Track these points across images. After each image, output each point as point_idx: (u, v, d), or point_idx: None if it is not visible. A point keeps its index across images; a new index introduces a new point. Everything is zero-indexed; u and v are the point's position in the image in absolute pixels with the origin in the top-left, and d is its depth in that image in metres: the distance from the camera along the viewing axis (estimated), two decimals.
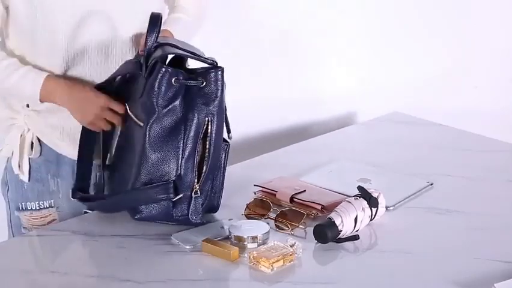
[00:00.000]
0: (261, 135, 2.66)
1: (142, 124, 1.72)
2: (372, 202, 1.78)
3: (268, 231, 1.72)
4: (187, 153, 1.73)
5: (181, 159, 1.72)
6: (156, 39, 1.72)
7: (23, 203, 1.91)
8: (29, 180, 1.89)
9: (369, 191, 1.80)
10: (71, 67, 1.83)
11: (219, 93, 1.73)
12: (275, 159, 2.19)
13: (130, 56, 1.86)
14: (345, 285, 1.60)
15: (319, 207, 1.83)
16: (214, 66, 1.73)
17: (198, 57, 1.73)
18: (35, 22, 1.77)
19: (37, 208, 1.90)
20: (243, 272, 1.65)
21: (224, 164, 1.81)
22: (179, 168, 1.73)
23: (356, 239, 1.73)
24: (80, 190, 1.87)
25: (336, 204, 1.78)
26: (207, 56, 1.76)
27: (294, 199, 1.87)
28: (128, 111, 1.80)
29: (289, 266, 1.64)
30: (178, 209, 1.75)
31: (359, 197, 1.78)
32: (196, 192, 1.74)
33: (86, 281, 1.63)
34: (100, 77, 1.85)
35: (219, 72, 1.72)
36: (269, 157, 2.20)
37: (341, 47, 2.70)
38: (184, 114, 1.72)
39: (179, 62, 1.78)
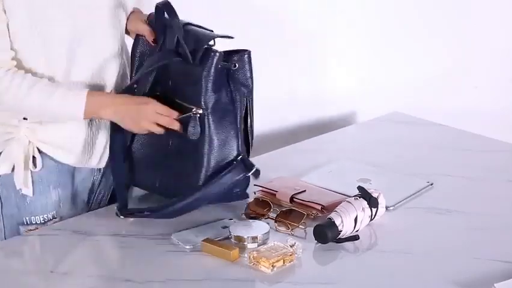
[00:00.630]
0: (261, 135, 2.66)
1: (200, 111, 1.78)
2: (372, 202, 1.78)
3: (268, 231, 1.72)
4: (241, 133, 1.85)
5: (239, 138, 1.84)
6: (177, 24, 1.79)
7: (27, 218, 1.86)
8: (33, 194, 1.85)
9: (369, 191, 1.80)
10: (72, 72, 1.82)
11: (250, 74, 1.86)
12: (275, 159, 2.19)
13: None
14: (345, 285, 1.60)
15: (319, 207, 1.83)
16: (242, 50, 1.85)
17: (221, 35, 1.81)
18: (33, 34, 1.75)
19: (42, 222, 1.86)
20: (243, 272, 1.65)
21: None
22: (239, 146, 1.84)
23: (356, 239, 1.73)
24: (125, 206, 1.85)
25: (336, 204, 1.78)
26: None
27: (294, 199, 1.87)
28: (183, 103, 1.82)
29: (289, 266, 1.64)
30: (238, 185, 1.84)
31: (359, 197, 1.78)
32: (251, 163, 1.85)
33: (86, 281, 1.63)
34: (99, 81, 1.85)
35: (247, 55, 1.85)
36: (269, 157, 2.20)
37: (341, 47, 2.70)
38: (230, 96, 1.83)
39: None
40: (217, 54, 1.78)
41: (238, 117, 1.85)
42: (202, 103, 1.79)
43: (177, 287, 1.60)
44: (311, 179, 1.99)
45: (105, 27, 1.84)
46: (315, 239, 1.72)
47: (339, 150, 2.25)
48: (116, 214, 1.82)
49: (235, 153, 1.83)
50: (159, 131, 1.80)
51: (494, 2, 2.78)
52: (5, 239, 1.88)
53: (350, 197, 1.80)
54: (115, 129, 1.85)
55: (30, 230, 1.85)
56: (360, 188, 1.81)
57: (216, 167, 1.80)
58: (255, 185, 1.92)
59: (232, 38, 1.80)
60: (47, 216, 1.86)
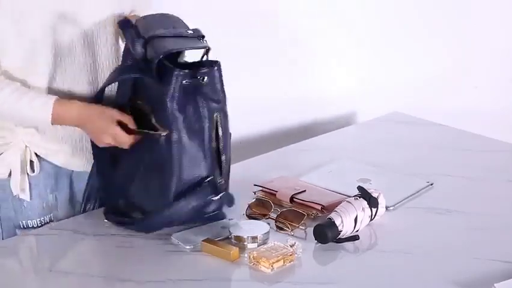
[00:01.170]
0: (261, 135, 2.66)
1: (164, 133, 1.70)
2: (372, 202, 1.78)
3: (268, 231, 1.72)
4: (210, 150, 1.73)
5: (209, 158, 1.73)
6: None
7: (23, 221, 1.85)
8: (30, 198, 1.84)
9: (369, 191, 1.80)
10: (58, 73, 1.80)
11: (221, 88, 1.75)
12: (275, 159, 2.19)
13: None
14: (345, 285, 1.60)
15: (319, 207, 1.83)
16: (211, 62, 1.74)
17: (194, 46, 1.73)
18: (9, 32, 1.74)
19: (39, 225, 1.85)
20: (243, 272, 1.65)
21: (229, 156, 1.80)
22: (208, 167, 1.73)
23: (356, 239, 1.73)
24: (112, 211, 1.83)
25: (336, 204, 1.78)
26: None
27: (294, 199, 1.87)
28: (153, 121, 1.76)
29: (289, 266, 1.64)
30: (210, 205, 1.74)
31: (359, 197, 1.78)
32: (221, 185, 1.75)
33: (86, 280, 1.63)
34: (90, 81, 1.84)
35: (215, 68, 1.73)
36: (269, 157, 2.20)
37: (341, 47, 2.70)
38: (198, 113, 1.72)
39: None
40: (181, 73, 1.68)
41: (207, 136, 1.72)
42: (168, 123, 1.70)
43: (177, 287, 1.60)
44: (311, 179, 1.99)
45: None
46: (315, 239, 1.72)
47: (339, 150, 2.25)
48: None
49: (204, 174, 1.72)
50: (121, 143, 1.74)
51: (494, 2, 2.78)
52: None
53: (350, 197, 1.80)
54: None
55: (28, 233, 1.84)
56: (360, 188, 1.81)
57: (184, 187, 1.71)
58: (255, 185, 1.93)
59: (208, 48, 1.73)
60: (43, 219, 1.86)
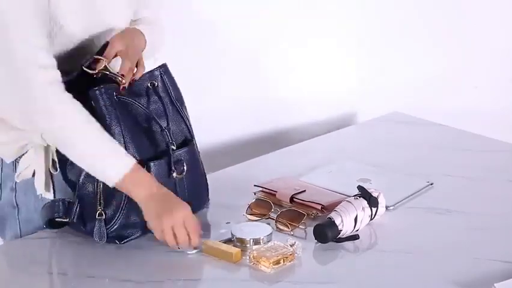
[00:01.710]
0: (261, 136, 2.66)
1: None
2: (372, 202, 1.78)
3: (271, 233, 1.72)
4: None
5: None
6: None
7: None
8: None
9: (369, 190, 1.80)
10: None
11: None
12: (275, 159, 2.19)
13: None
14: (345, 285, 1.60)
15: (319, 207, 1.83)
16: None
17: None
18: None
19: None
20: (243, 272, 1.65)
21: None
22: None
23: (356, 239, 1.73)
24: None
25: (336, 204, 1.78)
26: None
27: (294, 199, 1.87)
28: None
29: (289, 265, 1.64)
30: (87, 225, 1.72)
31: (359, 197, 1.78)
32: (100, 215, 1.71)
33: (86, 281, 1.63)
34: None
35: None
36: (269, 157, 2.20)
37: (341, 47, 2.70)
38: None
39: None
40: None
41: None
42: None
43: (177, 287, 1.60)
44: (311, 179, 1.99)
45: None
46: (315, 239, 1.72)
47: (339, 150, 2.25)
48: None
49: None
50: (172, 244, 1.67)
51: (494, 2, 2.78)
52: None
53: (350, 196, 1.80)
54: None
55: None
56: (360, 188, 1.81)
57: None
58: (255, 185, 1.92)
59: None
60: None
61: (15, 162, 1.81)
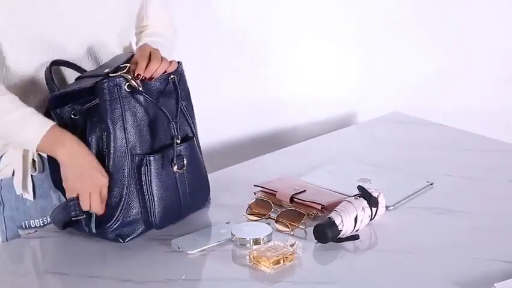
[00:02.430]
0: (261, 136, 2.67)
1: None
2: (372, 202, 1.78)
3: (271, 233, 1.72)
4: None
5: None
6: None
7: (26, 221, 1.85)
8: (34, 198, 1.83)
9: (369, 190, 1.80)
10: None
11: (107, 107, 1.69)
12: (275, 159, 2.19)
13: None
14: (345, 285, 1.60)
15: (319, 207, 1.83)
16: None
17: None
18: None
19: (41, 225, 1.85)
20: (243, 271, 1.65)
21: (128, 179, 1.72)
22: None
23: (356, 239, 1.73)
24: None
25: (336, 204, 1.78)
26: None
27: (294, 199, 1.87)
28: None
29: (289, 265, 1.64)
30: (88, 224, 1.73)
31: (359, 197, 1.78)
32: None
33: (86, 281, 1.63)
34: None
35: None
36: (269, 157, 2.20)
37: (341, 47, 2.70)
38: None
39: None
40: (52, 114, 1.70)
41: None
42: None
43: (177, 287, 1.60)
44: (311, 179, 1.99)
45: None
46: (315, 239, 1.72)
47: (339, 150, 2.25)
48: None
49: None
50: (85, 208, 1.69)
51: (494, 2, 2.78)
52: (7, 240, 1.87)
53: (350, 196, 1.80)
54: None
55: (30, 233, 1.84)
56: (360, 188, 1.81)
57: None
58: (255, 185, 1.92)
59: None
60: (46, 219, 1.85)
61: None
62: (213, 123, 2.42)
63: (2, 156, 1.82)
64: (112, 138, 1.68)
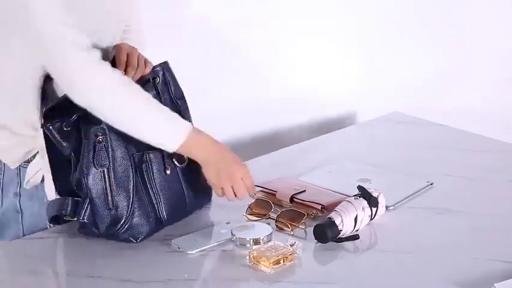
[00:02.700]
0: (261, 136, 2.66)
1: None
2: (372, 202, 1.78)
3: (271, 233, 1.72)
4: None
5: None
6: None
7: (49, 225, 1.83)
8: None
9: (369, 190, 1.80)
10: None
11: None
12: (275, 159, 2.19)
13: None
14: (345, 285, 1.60)
15: (319, 207, 1.83)
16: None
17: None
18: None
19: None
20: (243, 271, 1.65)
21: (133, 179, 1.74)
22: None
23: (356, 239, 1.73)
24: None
25: (336, 204, 1.78)
26: None
27: (294, 199, 1.87)
28: None
29: (289, 265, 1.64)
30: (99, 227, 1.72)
31: (359, 197, 1.78)
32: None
33: (86, 281, 1.62)
34: None
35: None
36: (269, 157, 2.20)
37: (340, 47, 2.70)
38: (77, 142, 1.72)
39: None
40: (45, 129, 1.69)
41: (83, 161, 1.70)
42: None
43: (177, 287, 1.60)
44: (311, 179, 1.99)
45: None
46: (315, 239, 1.72)
47: (339, 150, 2.25)
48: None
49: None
50: (231, 198, 1.77)
51: (494, 2, 2.78)
52: None
53: (350, 196, 1.80)
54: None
55: None
56: (360, 188, 1.81)
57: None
58: (255, 185, 1.92)
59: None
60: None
61: (20, 167, 1.81)
62: (213, 123, 2.40)
63: (27, 166, 1.80)
64: (108, 139, 1.69)
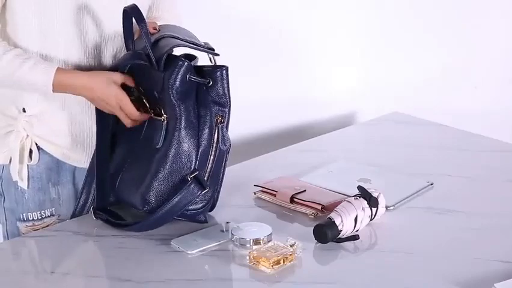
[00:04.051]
0: (261, 136, 2.67)
1: (161, 119, 1.74)
2: (372, 202, 1.78)
3: (271, 233, 1.72)
4: (201, 149, 1.75)
5: (197, 156, 1.74)
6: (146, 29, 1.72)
7: (24, 214, 1.87)
8: (28, 187, 1.85)
9: (369, 190, 1.80)
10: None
11: (226, 92, 1.76)
12: (275, 159, 2.19)
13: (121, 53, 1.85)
14: (345, 285, 1.60)
15: (319, 207, 1.83)
16: (219, 66, 1.76)
17: (201, 48, 1.75)
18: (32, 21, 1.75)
19: (39, 218, 1.87)
20: (243, 272, 1.65)
21: (225, 163, 1.80)
22: (195, 163, 1.74)
23: (356, 239, 1.73)
24: (101, 208, 1.82)
25: (336, 204, 1.78)
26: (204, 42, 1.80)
27: (294, 199, 1.87)
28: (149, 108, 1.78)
29: (289, 266, 1.64)
30: (195, 203, 1.75)
31: (359, 197, 1.78)
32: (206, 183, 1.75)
33: (86, 281, 1.63)
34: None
35: (224, 72, 1.75)
36: (269, 157, 2.20)
37: (340, 47, 2.70)
38: (197, 110, 1.75)
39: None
40: (186, 63, 1.71)
41: (203, 135, 1.75)
42: (166, 111, 1.73)
43: (177, 287, 1.60)
44: (311, 179, 1.99)
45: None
46: (315, 239, 1.72)
47: (339, 150, 2.25)
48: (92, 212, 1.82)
49: (189, 169, 1.73)
50: (128, 111, 1.76)
51: (494, 2, 2.78)
52: (7, 233, 1.90)
53: (350, 196, 1.80)
54: (101, 121, 1.82)
55: (28, 226, 1.87)
56: (360, 188, 1.81)
57: (167, 177, 1.73)
58: (255, 185, 1.93)
59: (216, 54, 1.75)
60: (44, 213, 1.87)
61: None
62: None
63: (2, 144, 1.85)
64: (225, 122, 1.78)
